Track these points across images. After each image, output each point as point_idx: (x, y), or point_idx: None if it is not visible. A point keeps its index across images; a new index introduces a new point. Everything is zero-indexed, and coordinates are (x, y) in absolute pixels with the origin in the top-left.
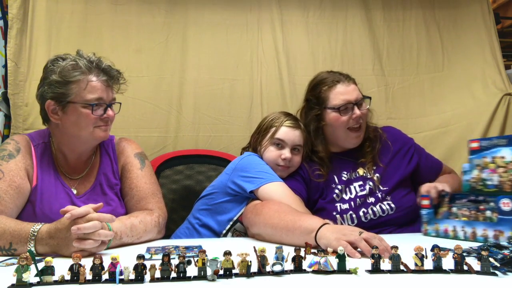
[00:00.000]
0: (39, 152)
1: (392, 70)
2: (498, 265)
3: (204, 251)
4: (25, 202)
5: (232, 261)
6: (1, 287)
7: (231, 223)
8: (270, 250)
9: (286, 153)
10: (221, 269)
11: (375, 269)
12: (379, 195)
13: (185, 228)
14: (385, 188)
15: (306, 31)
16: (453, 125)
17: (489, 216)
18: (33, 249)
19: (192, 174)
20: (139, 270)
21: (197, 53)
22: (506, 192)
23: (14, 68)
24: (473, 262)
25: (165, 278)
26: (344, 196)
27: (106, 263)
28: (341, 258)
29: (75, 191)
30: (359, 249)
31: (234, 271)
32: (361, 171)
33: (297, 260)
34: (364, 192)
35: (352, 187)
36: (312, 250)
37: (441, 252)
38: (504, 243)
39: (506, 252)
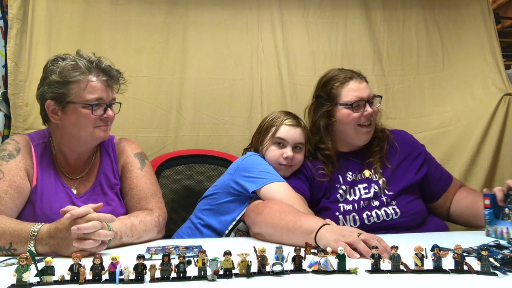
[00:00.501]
0: (39, 152)
1: (392, 70)
2: (498, 265)
3: (204, 251)
4: (25, 202)
5: (232, 261)
6: (1, 287)
7: (234, 223)
8: (270, 250)
9: (287, 151)
10: (221, 269)
11: (375, 269)
12: (384, 199)
13: (187, 227)
14: (390, 193)
15: (306, 31)
16: (453, 125)
17: None
18: (33, 249)
19: (192, 174)
20: (139, 270)
21: (197, 53)
22: None
23: (14, 68)
24: (473, 262)
25: (165, 278)
26: (348, 197)
27: (106, 263)
28: (341, 258)
29: (75, 191)
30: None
31: (234, 271)
32: (367, 173)
33: (297, 260)
34: (368, 195)
35: (356, 188)
36: (312, 250)
37: (441, 252)
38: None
39: (506, 252)
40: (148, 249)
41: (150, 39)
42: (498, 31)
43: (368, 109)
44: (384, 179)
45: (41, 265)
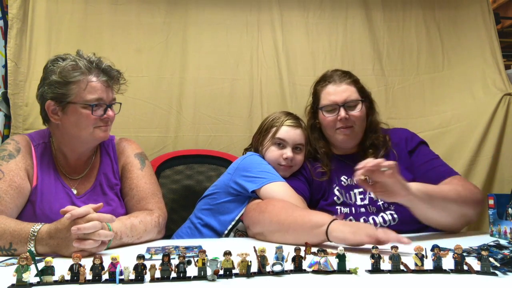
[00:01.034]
0: (39, 152)
1: (392, 70)
2: (498, 265)
3: (204, 251)
4: (25, 202)
5: (232, 261)
6: (1, 287)
7: (233, 222)
8: (270, 250)
9: (287, 152)
10: (221, 269)
11: (375, 269)
12: (381, 204)
13: (187, 227)
14: None
15: (306, 31)
16: (453, 125)
17: None
18: (33, 249)
19: (192, 174)
20: (139, 270)
21: (197, 53)
22: None
23: (14, 68)
24: (473, 262)
25: (165, 278)
26: (344, 199)
27: (106, 263)
28: (341, 258)
29: (75, 191)
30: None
31: (234, 271)
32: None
33: (297, 260)
34: (364, 202)
35: (352, 193)
36: (312, 250)
37: (441, 252)
38: (504, 243)
39: (506, 252)
40: (148, 249)
41: (150, 39)
42: (498, 31)
43: (341, 113)
44: None
45: (41, 265)
